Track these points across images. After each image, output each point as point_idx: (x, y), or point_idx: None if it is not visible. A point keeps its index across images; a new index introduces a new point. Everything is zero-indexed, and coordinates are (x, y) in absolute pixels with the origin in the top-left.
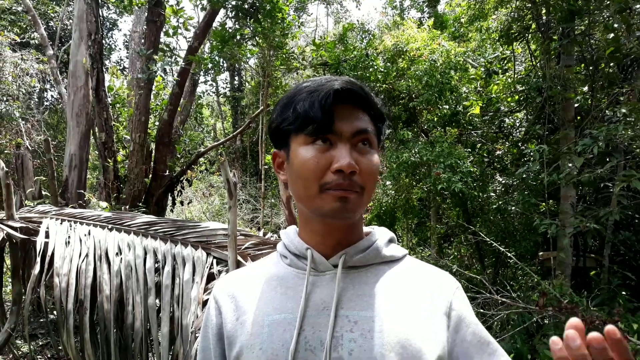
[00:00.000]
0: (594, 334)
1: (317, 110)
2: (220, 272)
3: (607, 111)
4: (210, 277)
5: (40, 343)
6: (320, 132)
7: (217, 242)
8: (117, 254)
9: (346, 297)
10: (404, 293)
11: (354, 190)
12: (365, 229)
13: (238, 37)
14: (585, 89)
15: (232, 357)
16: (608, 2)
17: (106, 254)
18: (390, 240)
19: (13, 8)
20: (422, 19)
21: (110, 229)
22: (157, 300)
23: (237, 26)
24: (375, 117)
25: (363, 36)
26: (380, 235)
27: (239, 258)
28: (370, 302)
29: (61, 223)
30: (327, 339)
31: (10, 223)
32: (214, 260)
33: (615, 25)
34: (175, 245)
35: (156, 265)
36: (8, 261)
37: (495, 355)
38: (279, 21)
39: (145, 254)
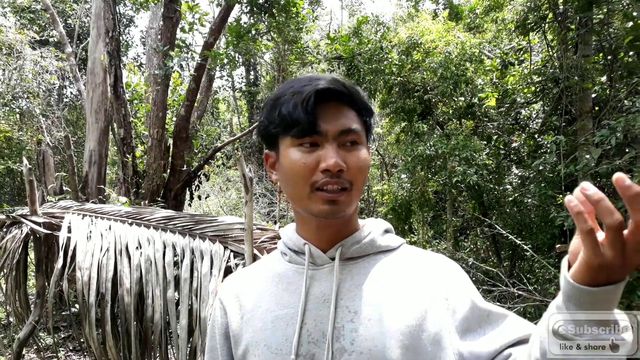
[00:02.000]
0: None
1: (300, 112)
2: (237, 265)
3: (625, 101)
4: (228, 271)
5: (63, 335)
6: (305, 133)
7: (234, 236)
8: (137, 248)
9: (345, 288)
10: (401, 280)
11: (342, 188)
12: (361, 221)
13: (253, 32)
14: (604, 79)
15: (239, 355)
16: None
17: (126, 248)
18: (386, 231)
19: (32, 6)
20: (437, 11)
21: (130, 224)
22: (176, 293)
23: (252, 21)
24: (362, 111)
25: (377, 29)
26: (375, 226)
27: (256, 252)
28: (369, 291)
29: (82, 218)
30: (328, 331)
31: (34, 218)
32: (231, 254)
33: (635, 14)
34: (194, 239)
35: (175, 259)
36: (32, 255)
37: (497, 323)
38: (294, 15)
39: (165, 248)
